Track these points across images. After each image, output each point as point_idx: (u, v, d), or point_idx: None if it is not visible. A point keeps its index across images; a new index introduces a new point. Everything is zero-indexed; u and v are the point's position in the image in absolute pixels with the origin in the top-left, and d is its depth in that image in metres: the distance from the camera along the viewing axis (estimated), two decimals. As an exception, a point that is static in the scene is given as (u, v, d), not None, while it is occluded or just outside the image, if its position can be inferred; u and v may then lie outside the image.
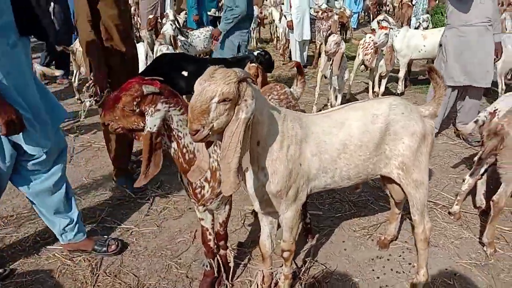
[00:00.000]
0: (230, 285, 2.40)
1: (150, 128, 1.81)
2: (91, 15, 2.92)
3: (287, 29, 8.26)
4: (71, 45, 5.78)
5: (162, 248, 2.78)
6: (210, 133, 1.61)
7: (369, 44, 5.78)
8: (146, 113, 1.81)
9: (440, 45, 4.38)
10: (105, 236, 2.83)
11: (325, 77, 5.30)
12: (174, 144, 1.92)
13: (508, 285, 2.42)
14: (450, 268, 2.56)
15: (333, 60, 4.55)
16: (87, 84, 3.10)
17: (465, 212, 3.16)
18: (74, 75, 5.90)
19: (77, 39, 5.70)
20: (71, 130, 4.93)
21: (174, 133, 1.89)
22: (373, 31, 6.14)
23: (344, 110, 2.11)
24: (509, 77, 5.91)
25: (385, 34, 4.94)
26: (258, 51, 5.03)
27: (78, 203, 3.30)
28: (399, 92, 6.22)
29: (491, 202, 2.65)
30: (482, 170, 2.92)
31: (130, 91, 1.80)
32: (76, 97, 6.01)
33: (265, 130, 1.82)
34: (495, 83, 5.14)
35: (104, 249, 2.68)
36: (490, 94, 6.37)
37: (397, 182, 2.21)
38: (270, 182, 1.90)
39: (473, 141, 4.38)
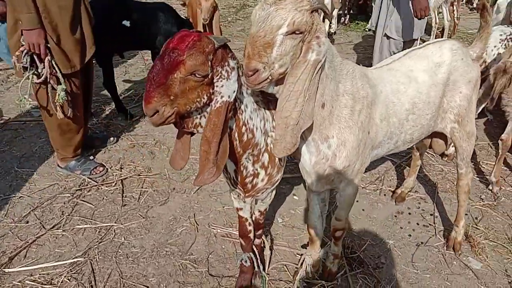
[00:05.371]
0: (267, 276, 2.05)
1: (229, 96, 1.25)
2: None
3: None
4: None
5: (163, 245, 2.26)
6: (270, 78, 1.20)
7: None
8: (218, 76, 1.24)
9: None
10: None
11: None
12: (231, 121, 1.38)
13: (525, 221, 2.48)
14: (469, 213, 2.53)
15: None
16: (17, 53, 2.25)
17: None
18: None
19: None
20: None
21: (237, 104, 1.35)
22: None
23: (405, 60, 1.78)
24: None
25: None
26: None
27: (21, 203, 2.57)
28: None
29: (499, 141, 2.64)
30: (479, 110, 2.89)
31: (198, 47, 1.17)
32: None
33: (334, 90, 1.43)
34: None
35: None
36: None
37: (448, 136, 2.00)
38: (336, 156, 1.54)
39: None
